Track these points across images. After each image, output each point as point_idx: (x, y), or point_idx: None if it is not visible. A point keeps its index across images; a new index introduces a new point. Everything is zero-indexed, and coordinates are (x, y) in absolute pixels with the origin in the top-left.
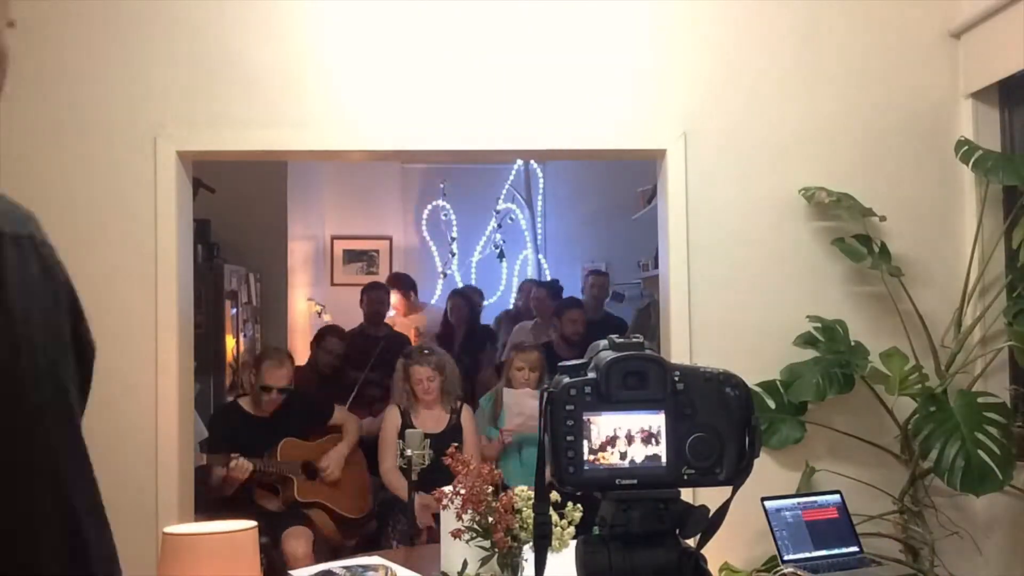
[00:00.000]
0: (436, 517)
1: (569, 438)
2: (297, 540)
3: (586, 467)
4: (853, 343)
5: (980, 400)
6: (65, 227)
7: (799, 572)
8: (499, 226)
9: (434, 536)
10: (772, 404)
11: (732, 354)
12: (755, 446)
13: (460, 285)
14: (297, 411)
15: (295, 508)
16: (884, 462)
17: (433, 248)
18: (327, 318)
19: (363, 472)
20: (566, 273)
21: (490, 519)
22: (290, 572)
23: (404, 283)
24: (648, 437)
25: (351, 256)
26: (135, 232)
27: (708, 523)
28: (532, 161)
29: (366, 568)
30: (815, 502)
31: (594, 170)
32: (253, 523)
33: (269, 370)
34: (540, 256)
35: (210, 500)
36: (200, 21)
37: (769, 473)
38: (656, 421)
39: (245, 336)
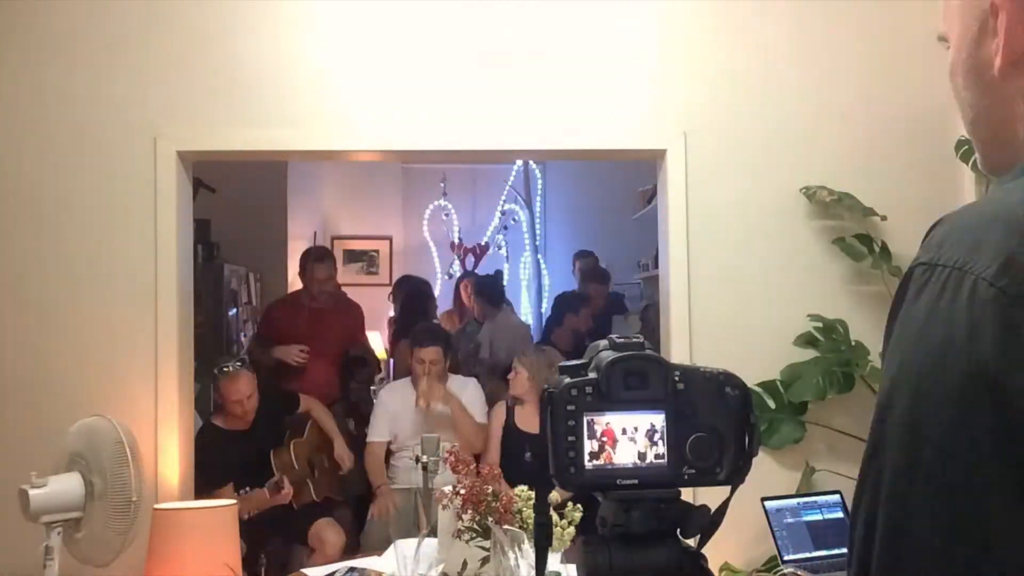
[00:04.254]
0: None
1: (570, 438)
2: (335, 531)
3: (587, 467)
4: (853, 342)
5: None
6: (65, 227)
7: (799, 572)
8: (504, 228)
9: None
10: (772, 404)
11: (732, 354)
12: (754, 445)
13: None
14: (268, 409)
15: (310, 506)
16: None
17: (433, 249)
18: None
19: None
20: (566, 273)
21: (490, 519)
22: (303, 571)
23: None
24: (649, 437)
25: (351, 256)
26: (135, 232)
27: (708, 523)
28: (531, 161)
29: (365, 570)
30: (815, 502)
31: (594, 170)
32: (232, 501)
33: (227, 386)
34: (539, 256)
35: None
36: (200, 21)
37: (769, 473)
38: (657, 421)
39: (245, 336)
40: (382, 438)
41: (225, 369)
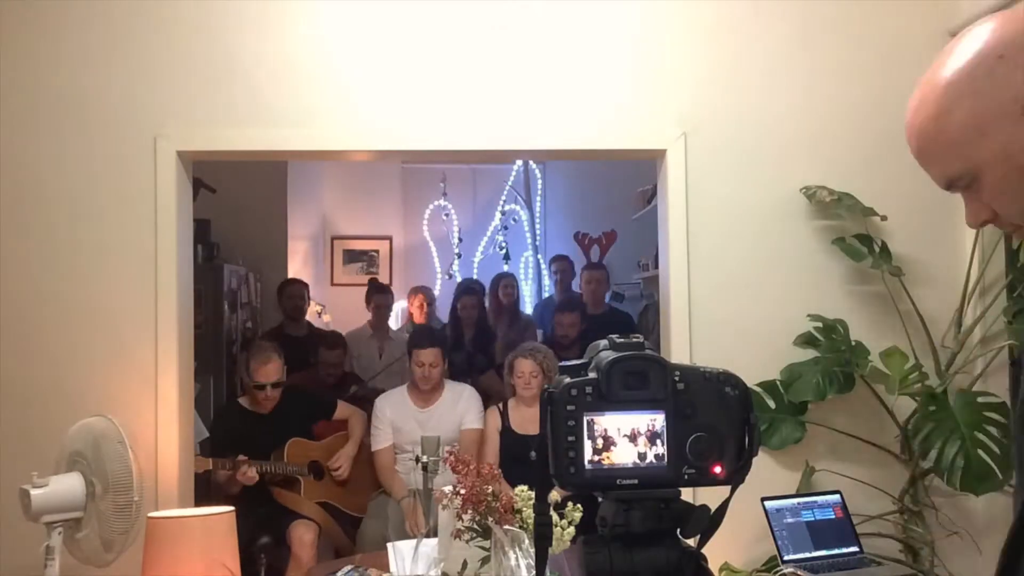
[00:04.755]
0: None
1: (570, 438)
2: (306, 528)
3: (587, 467)
4: (853, 343)
5: (980, 400)
6: (65, 227)
7: (799, 572)
8: (505, 228)
9: None
10: (772, 404)
11: (732, 354)
12: (754, 445)
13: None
14: (297, 407)
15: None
16: (884, 462)
17: (433, 249)
18: (327, 318)
19: (369, 470)
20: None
21: (490, 519)
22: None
23: None
24: (649, 437)
25: (351, 256)
26: (135, 232)
27: (708, 523)
28: (531, 161)
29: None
30: (815, 502)
31: (594, 170)
32: (230, 508)
33: (257, 368)
34: (539, 256)
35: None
36: (200, 21)
37: (769, 473)
38: (657, 421)
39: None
40: (386, 444)
41: (261, 346)
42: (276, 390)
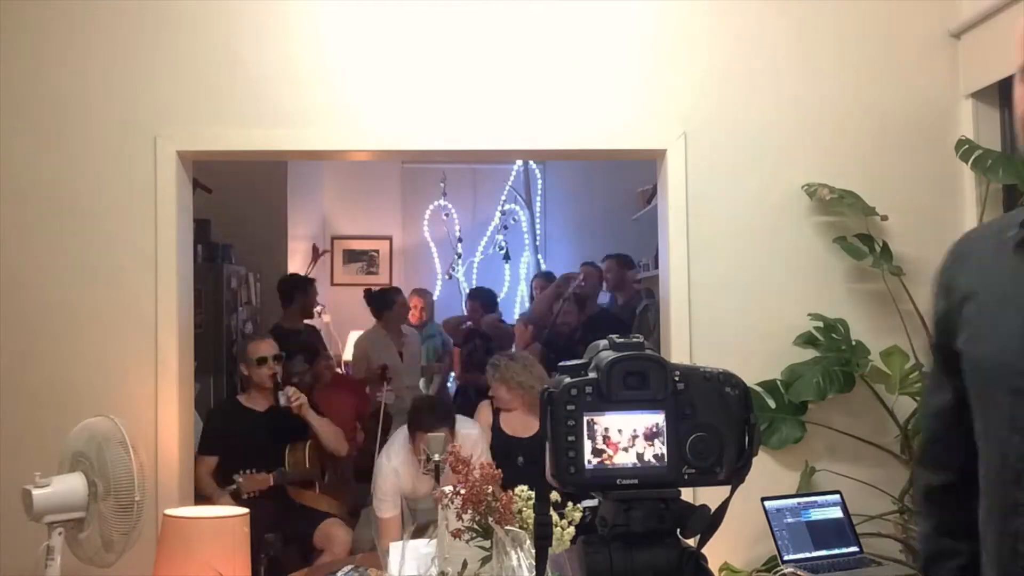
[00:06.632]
0: None
1: (570, 438)
2: (341, 527)
3: (587, 467)
4: (854, 342)
5: None
6: (65, 227)
7: (799, 572)
8: (505, 227)
9: None
10: (772, 404)
11: (732, 354)
12: (754, 445)
13: (464, 287)
14: (288, 412)
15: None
16: (884, 462)
17: (433, 249)
18: (327, 319)
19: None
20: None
21: (490, 519)
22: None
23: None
24: (649, 437)
25: (351, 256)
26: (135, 232)
27: (708, 523)
28: (531, 161)
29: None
30: (815, 502)
31: (594, 170)
32: (245, 510)
33: (254, 345)
34: (539, 256)
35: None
36: (200, 21)
37: (769, 473)
38: (657, 421)
39: (245, 336)
40: (394, 512)
41: (251, 335)
42: (277, 363)
